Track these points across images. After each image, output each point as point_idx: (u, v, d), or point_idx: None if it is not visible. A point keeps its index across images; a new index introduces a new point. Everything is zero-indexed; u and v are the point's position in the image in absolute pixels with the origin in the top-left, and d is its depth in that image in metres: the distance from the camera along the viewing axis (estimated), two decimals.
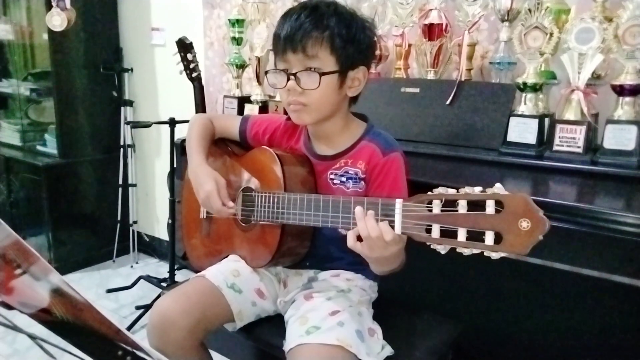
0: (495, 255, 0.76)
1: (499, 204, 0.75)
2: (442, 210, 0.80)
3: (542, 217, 0.73)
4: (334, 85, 1.06)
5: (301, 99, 1.06)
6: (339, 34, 1.03)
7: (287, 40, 1.04)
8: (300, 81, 1.04)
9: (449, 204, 0.80)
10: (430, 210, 0.82)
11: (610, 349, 1.34)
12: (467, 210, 0.78)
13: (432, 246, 0.81)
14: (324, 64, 1.04)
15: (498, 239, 0.76)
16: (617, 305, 1.31)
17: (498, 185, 0.76)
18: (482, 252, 0.77)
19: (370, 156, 1.10)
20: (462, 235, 0.78)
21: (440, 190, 0.81)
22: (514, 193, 0.75)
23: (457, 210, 0.78)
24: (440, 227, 0.80)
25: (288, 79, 1.05)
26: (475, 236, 0.77)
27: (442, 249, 0.81)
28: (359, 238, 0.91)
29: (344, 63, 1.05)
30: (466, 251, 0.78)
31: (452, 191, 0.80)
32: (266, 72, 1.13)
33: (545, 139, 1.38)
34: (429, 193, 0.82)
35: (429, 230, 0.82)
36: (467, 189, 0.78)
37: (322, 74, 1.03)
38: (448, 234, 0.80)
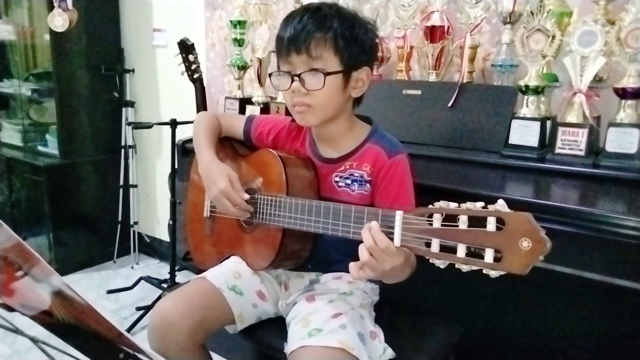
0: (494, 274, 0.75)
1: (500, 221, 0.74)
2: (442, 225, 0.79)
3: (544, 237, 0.71)
4: (338, 86, 1.06)
5: (306, 100, 1.06)
6: (342, 35, 1.03)
7: (290, 42, 1.04)
8: (304, 82, 1.04)
9: (450, 218, 0.78)
10: (431, 224, 0.80)
11: (612, 352, 1.33)
12: (468, 226, 0.76)
13: (430, 260, 0.80)
14: (328, 64, 1.04)
15: (498, 257, 0.74)
16: (618, 308, 1.30)
17: (500, 202, 0.75)
18: (481, 270, 0.76)
19: (375, 158, 1.10)
20: (461, 251, 0.77)
21: (441, 203, 0.79)
22: (517, 211, 0.73)
23: (457, 225, 0.77)
24: (440, 241, 0.79)
25: (292, 81, 1.05)
26: (475, 253, 0.76)
27: (441, 264, 0.80)
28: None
29: (347, 63, 1.05)
30: (465, 267, 0.77)
31: (453, 205, 0.78)
32: (270, 75, 1.13)
33: (547, 141, 1.37)
34: (430, 206, 0.81)
35: (428, 244, 0.80)
36: (468, 204, 0.77)
37: (326, 74, 1.03)
38: (447, 249, 0.78)
